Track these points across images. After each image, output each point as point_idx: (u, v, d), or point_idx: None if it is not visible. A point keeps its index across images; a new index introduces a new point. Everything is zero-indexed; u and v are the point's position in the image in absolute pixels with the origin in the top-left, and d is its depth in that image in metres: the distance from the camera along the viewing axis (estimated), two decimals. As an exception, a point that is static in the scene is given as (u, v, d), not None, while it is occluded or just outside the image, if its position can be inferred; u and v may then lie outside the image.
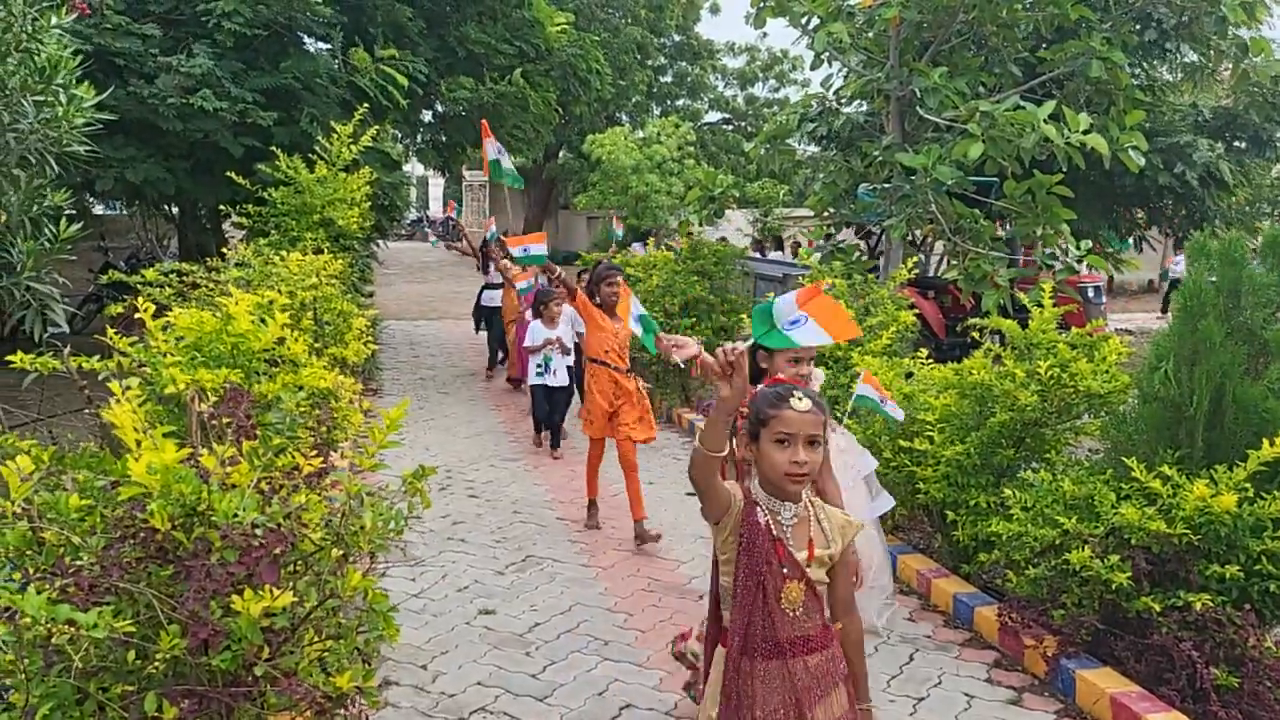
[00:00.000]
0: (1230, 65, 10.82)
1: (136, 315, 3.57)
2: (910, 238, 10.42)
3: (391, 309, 17.63)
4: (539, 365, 8.07)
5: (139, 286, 5.27)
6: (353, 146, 9.32)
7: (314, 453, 2.71)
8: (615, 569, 5.62)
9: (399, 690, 4.17)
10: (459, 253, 25.63)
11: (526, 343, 8.25)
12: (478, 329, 12.50)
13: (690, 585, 5.38)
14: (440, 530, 6.23)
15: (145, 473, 1.89)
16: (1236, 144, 13.24)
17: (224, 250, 7.40)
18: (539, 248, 6.69)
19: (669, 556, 5.85)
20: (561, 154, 29.24)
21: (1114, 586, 3.97)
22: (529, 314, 8.72)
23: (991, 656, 4.56)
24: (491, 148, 8.11)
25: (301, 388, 3.44)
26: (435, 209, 45.90)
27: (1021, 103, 7.70)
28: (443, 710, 4.01)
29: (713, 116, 30.95)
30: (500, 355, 11.78)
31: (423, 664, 4.41)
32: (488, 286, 11.94)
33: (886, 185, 9.21)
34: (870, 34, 9.40)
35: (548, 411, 8.25)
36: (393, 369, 12.20)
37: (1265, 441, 3.89)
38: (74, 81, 4.62)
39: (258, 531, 1.86)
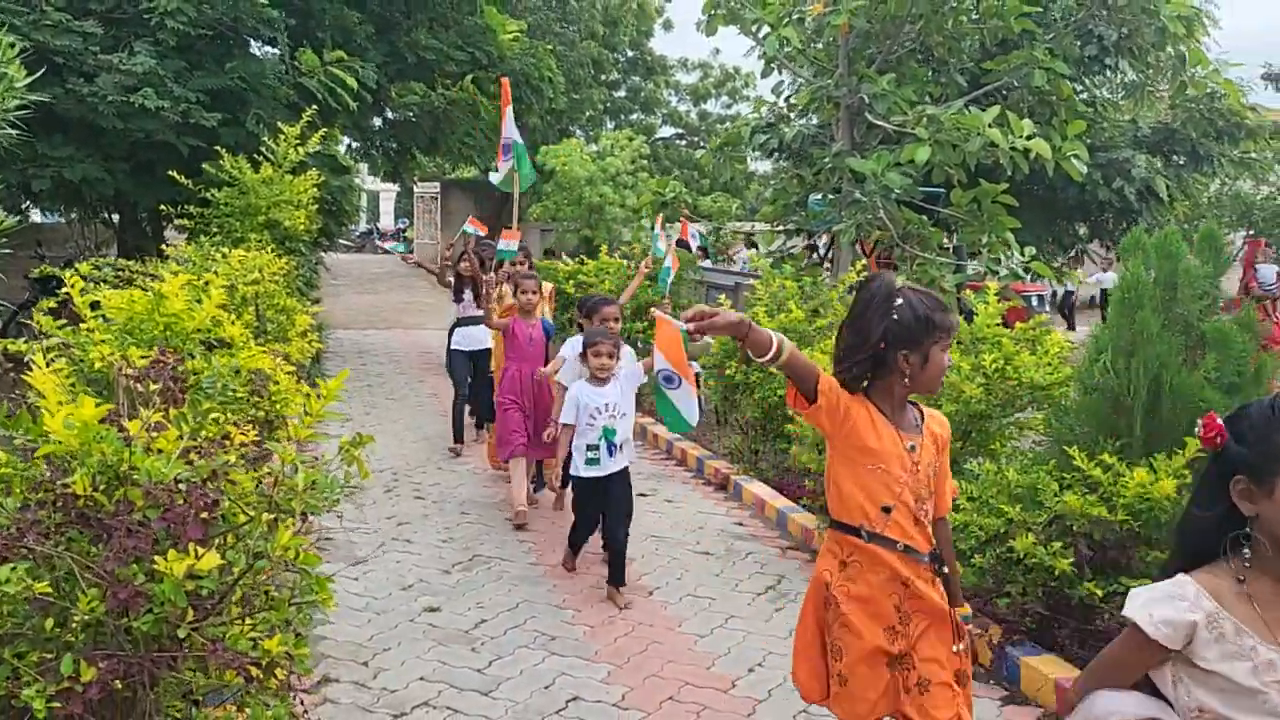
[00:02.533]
0: (1168, 83, 11.14)
1: (70, 306, 3.48)
2: (859, 245, 10.54)
3: (340, 319, 17.39)
4: (591, 449, 5.07)
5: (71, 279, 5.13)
6: (300, 149, 9.21)
7: (253, 431, 2.64)
8: (563, 567, 5.55)
9: (339, 686, 4.07)
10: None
11: (565, 416, 5.21)
12: (459, 387, 8.33)
13: (640, 582, 5.33)
14: (385, 530, 6.12)
15: (63, 428, 1.81)
16: (1175, 159, 13.59)
17: (163, 249, 7.25)
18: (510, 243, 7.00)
19: (618, 555, 5.79)
20: (515, 167, 29.14)
21: (1057, 573, 4.01)
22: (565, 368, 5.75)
23: (938, 647, 4.57)
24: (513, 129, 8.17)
25: (239, 370, 3.36)
26: (386, 221, 45.49)
27: (967, 109, 7.84)
28: (384, 705, 3.92)
29: (666, 131, 31.12)
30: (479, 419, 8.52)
31: (364, 661, 4.31)
32: (463, 322, 8.26)
33: (836, 194, 9.32)
34: (820, 44, 9.53)
35: (599, 521, 5.23)
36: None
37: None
38: (7, 61, 4.49)
39: (181, 487, 1.79)
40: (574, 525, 5.43)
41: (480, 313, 7.56)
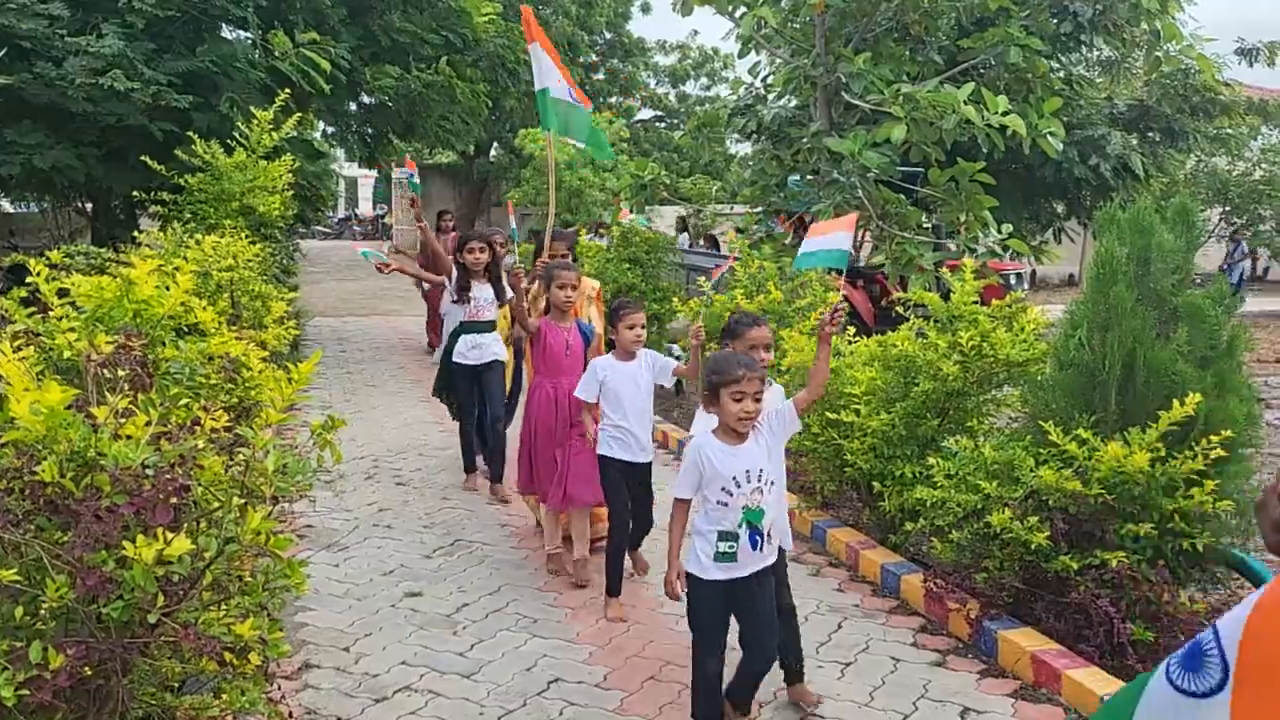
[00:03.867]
0: (1143, 59, 11.18)
1: (38, 294, 3.43)
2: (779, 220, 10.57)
3: (319, 306, 17.28)
4: (724, 539, 3.33)
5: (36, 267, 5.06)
6: (274, 133, 9.11)
7: (225, 417, 2.62)
8: (544, 552, 5.55)
9: (320, 672, 4.06)
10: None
11: (681, 489, 3.46)
12: (453, 408, 6.83)
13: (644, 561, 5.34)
14: (366, 517, 6.10)
15: (29, 414, 1.79)
16: (1151, 136, 13.65)
17: (136, 235, 7.17)
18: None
19: (600, 537, 5.79)
20: (493, 151, 29.00)
21: (1033, 547, 4.04)
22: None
23: (918, 622, 4.61)
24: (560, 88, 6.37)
25: (212, 357, 3.33)
26: (364, 208, 45.14)
27: (943, 87, 7.84)
28: (366, 690, 3.91)
29: (645, 114, 30.99)
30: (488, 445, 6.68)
31: (345, 646, 4.31)
32: (470, 328, 6.37)
33: (815, 174, 9.31)
34: (796, 23, 9.49)
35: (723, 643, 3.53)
36: (319, 363, 11.94)
37: (1175, 403, 3.99)
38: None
39: (149, 472, 1.77)
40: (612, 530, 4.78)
41: (491, 317, 6.40)
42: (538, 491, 5.27)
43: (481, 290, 6.39)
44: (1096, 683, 3.75)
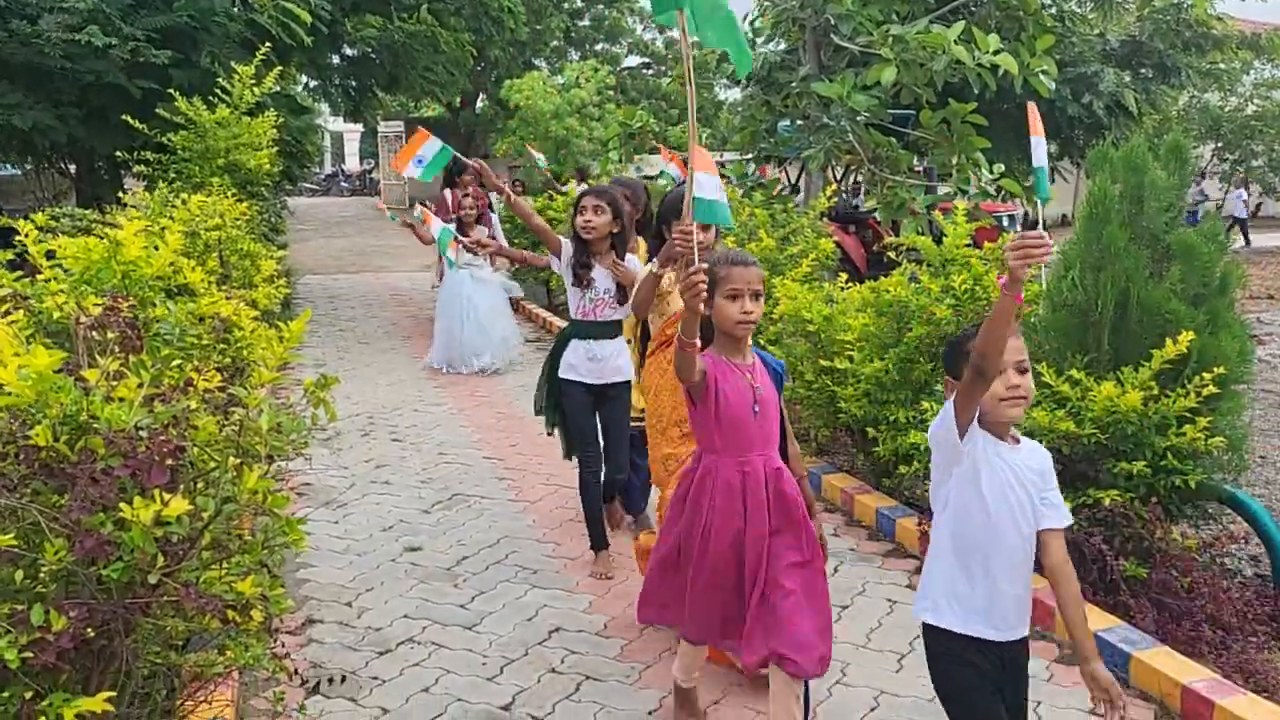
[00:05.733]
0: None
1: (24, 257, 3.40)
2: (830, 171, 10.47)
3: (308, 263, 17.19)
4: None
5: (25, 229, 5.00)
6: (255, 89, 8.97)
7: (218, 377, 2.61)
8: (543, 502, 5.60)
9: (323, 627, 4.10)
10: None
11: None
12: (584, 451, 4.63)
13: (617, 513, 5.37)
14: (363, 474, 6.13)
15: (17, 378, 1.78)
16: (1143, 72, 13.53)
17: (121, 196, 7.08)
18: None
19: (596, 488, 5.84)
20: (479, 102, 28.67)
21: (1027, 488, 4.06)
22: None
23: (912, 565, 4.66)
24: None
25: (203, 318, 3.31)
26: (351, 164, 44.70)
27: (933, 27, 7.74)
28: (369, 643, 3.96)
29: (632, 61, 30.60)
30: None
31: (347, 601, 4.34)
32: (586, 331, 4.56)
33: (805, 119, 9.22)
34: (784, -36, 9.34)
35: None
36: (310, 321, 11.90)
37: (1168, 341, 4.00)
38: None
39: (142, 434, 1.77)
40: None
41: (615, 315, 4.53)
42: (684, 632, 3.18)
43: (603, 277, 4.48)
44: (1090, 619, 3.79)
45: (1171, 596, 3.97)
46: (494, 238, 9.17)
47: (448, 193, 10.05)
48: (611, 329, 4.56)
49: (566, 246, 4.50)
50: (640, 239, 4.89)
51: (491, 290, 9.26)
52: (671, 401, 3.73)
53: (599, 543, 4.61)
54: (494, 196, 9.89)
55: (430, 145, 4.82)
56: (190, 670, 2.50)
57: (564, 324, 4.92)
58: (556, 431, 4.96)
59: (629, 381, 4.61)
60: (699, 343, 2.72)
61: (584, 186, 9.25)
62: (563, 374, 4.55)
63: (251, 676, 3.52)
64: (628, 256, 4.51)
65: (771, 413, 3.01)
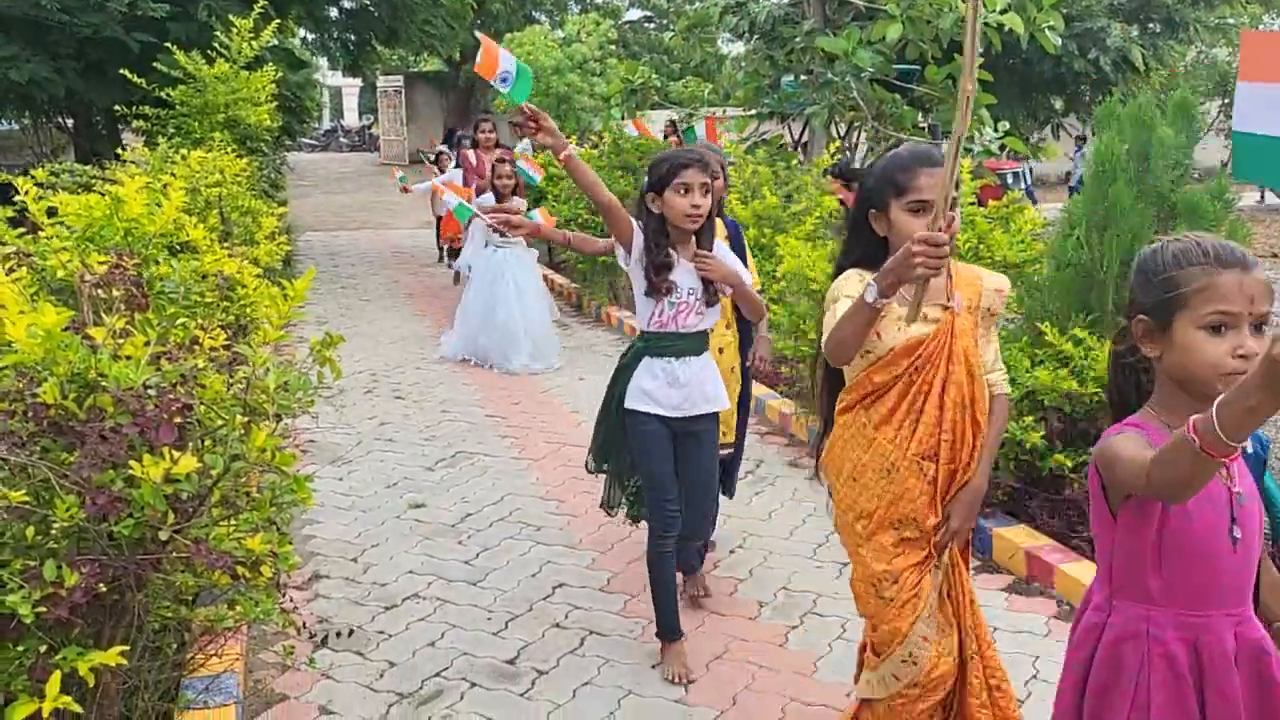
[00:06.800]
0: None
1: (27, 214, 3.38)
2: (834, 128, 10.38)
3: (308, 220, 17.12)
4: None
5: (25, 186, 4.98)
6: (254, 42, 8.87)
7: (223, 335, 2.61)
8: (546, 460, 5.63)
9: (329, 582, 4.14)
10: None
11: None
12: (659, 500, 3.36)
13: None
14: (367, 431, 6.16)
15: (26, 336, 1.78)
16: (1151, 27, 13.36)
17: (120, 152, 7.04)
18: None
19: (599, 445, 5.87)
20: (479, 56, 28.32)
21: (1029, 446, 4.09)
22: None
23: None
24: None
25: (206, 275, 3.31)
26: (350, 119, 44.29)
27: (940, -19, 7.63)
28: (375, 599, 4.00)
29: (633, 14, 30.21)
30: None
31: (353, 557, 4.39)
32: (662, 346, 3.32)
33: (809, 75, 9.13)
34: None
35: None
36: (312, 279, 11.90)
37: (1172, 300, 3.99)
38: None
39: (151, 393, 1.78)
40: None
41: (708, 320, 3.36)
42: None
43: (686, 274, 3.25)
44: (1088, 575, 3.83)
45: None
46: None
47: (471, 153, 8.88)
48: (698, 342, 3.32)
49: (637, 236, 3.21)
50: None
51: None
52: (882, 489, 2.41)
53: (671, 631, 3.41)
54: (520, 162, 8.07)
55: (507, 59, 3.69)
56: (201, 624, 2.54)
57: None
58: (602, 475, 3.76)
59: (718, 411, 3.45)
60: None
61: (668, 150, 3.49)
62: (632, 404, 3.31)
63: (260, 630, 3.57)
64: (715, 244, 3.36)
65: (1254, 540, 1.76)
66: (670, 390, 3.30)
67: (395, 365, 7.81)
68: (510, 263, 7.65)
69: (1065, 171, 24.13)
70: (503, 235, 7.11)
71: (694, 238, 3.24)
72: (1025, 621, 3.77)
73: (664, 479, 3.35)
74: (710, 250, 3.29)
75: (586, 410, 6.48)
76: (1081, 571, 3.87)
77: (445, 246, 11.72)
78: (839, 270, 2.44)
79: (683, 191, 3.09)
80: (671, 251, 3.22)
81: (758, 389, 6.06)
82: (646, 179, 3.21)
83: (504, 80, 3.67)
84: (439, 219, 11.67)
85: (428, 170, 10.08)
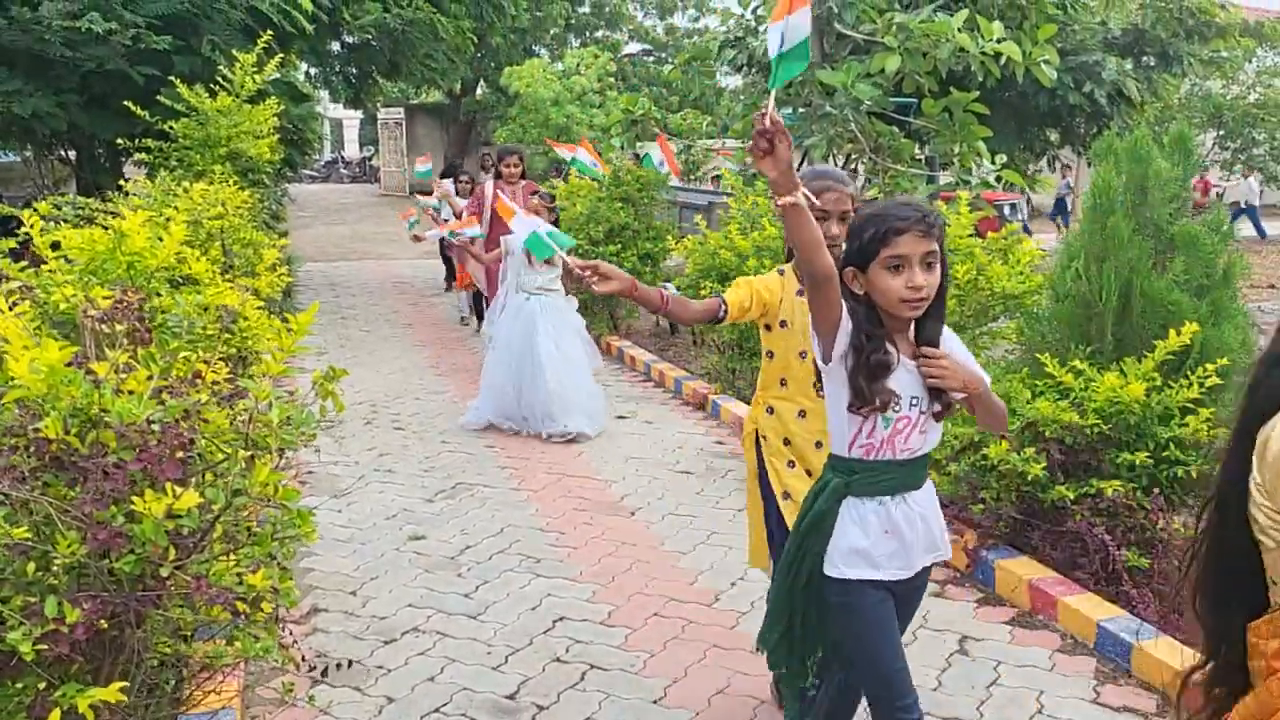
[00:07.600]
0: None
1: (30, 247, 3.40)
2: (832, 160, 10.43)
3: (309, 251, 17.16)
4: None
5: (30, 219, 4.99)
6: (257, 76, 8.94)
7: (224, 368, 2.61)
8: (546, 491, 5.61)
9: (328, 616, 4.12)
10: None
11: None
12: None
13: (622, 503, 5.40)
14: (366, 462, 6.14)
15: (29, 372, 1.78)
16: (1145, 60, 13.49)
17: (122, 184, 7.07)
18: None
19: (599, 476, 5.86)
20: (479, 89, 28.59)
21: (1030, 478, 4.08)
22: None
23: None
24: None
25: (207, 308, 3.31)
26: (351, 150, 44.55)
27: (936, 15, 7.71)
28: (374, 632, 3.97)
29: (633, 48, 30.50)
30: None
31: (352, 590, 4.36)
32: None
33: (808, 107, 9.18)
34: (786, -49, 9.28)
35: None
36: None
37: (1171, 332, 4.00)
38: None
39: (154, 428, 1.78)
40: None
41: (930, 441, 2.39)
42: None
43: (906, 379, 2.33)
44: (1092, 609, 3.83)
45: (1173, 587, 3.98)
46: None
47: (488, 184, 8.06)
48: (919, 472, 2.41)
49: (845, 323, 2.28)
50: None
51: (569, 323, 6.92)
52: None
53: None
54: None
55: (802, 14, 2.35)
56: (199, 660, 2.52)
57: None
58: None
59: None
60: None
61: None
62: (843, 570, 2.35)
63: (258, 665, 3.54)
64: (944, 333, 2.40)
65: None
66: (892, 543, 2.35)
67: (395, 395, 7.80)
68: (538, 315, 6.71)
69: (1062, 198, 24.29)
70: (569, 291, 6.24)
71: (913, 326, 2.33)
72: (1029, 655, 3.75)
73: (897, 674, 2.36)
74: (936, 343, 2.34)
75: (587, 441, 6.48)
76: (1086, 604, 3.85)
77: (464, 296, 10.69)
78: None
79: (897, 268, 2.20)
80: (890, 349, 2.27)
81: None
82: (844, 247, 2.34)
83: (779, 37, 2.35)
84: (447, 258, 11.64)
85: (442, 195, 10.06)
